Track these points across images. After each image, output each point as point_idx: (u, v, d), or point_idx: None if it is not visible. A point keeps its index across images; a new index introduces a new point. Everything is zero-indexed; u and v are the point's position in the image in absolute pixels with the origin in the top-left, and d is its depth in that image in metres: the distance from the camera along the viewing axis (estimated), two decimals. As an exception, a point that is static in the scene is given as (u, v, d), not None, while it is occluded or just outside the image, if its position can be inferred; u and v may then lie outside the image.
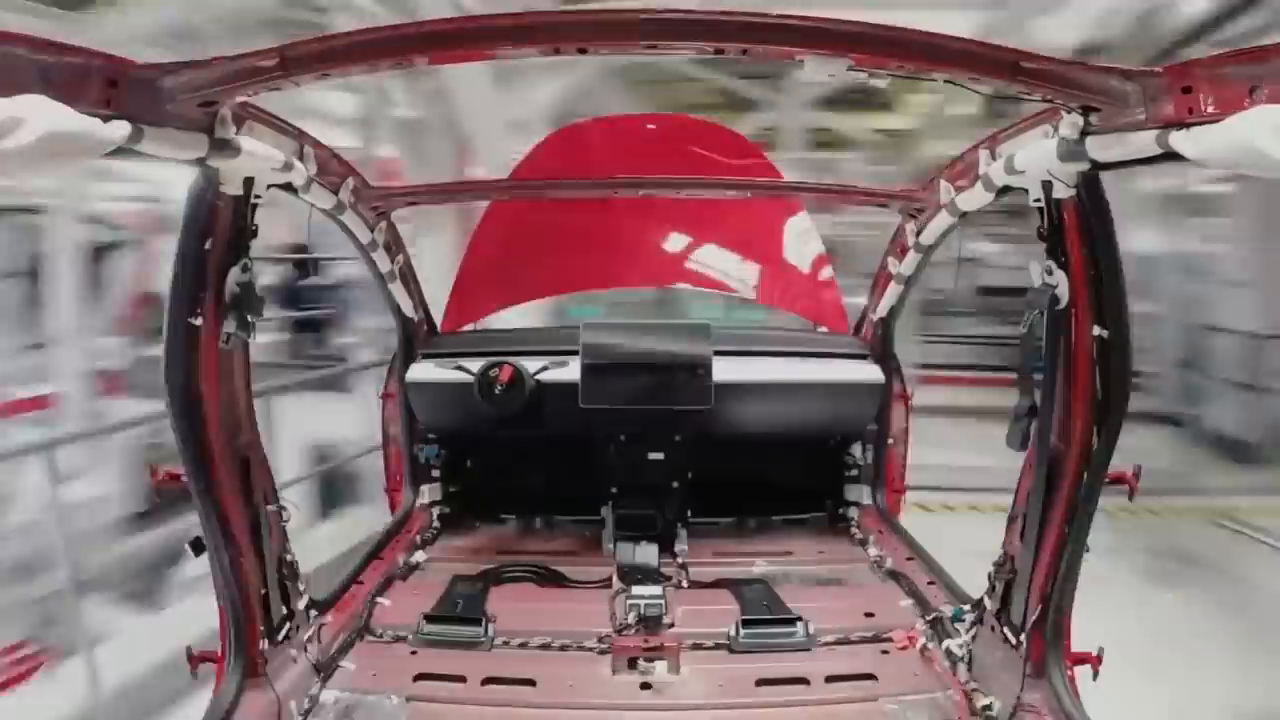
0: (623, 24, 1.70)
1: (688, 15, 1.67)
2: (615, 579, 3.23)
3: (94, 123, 1.42)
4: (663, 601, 2.97)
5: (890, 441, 3.85)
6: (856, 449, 3.83)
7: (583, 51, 1.79)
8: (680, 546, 3.54)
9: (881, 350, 3.74)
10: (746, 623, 2.90)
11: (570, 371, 3.54)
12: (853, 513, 3.90)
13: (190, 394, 2.11)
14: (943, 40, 1.69)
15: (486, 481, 4.00)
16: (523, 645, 2.84)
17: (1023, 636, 2.34)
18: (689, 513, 3.70)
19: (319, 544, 5.83)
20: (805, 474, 3.97)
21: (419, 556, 3.60)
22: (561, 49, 1.81)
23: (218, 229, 2.06)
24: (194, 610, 4.61)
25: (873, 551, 3.58)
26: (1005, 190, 2.29)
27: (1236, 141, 1.31)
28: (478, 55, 1.95)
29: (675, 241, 4.28)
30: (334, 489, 7.30)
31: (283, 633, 2.45)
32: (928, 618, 2.86)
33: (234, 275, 2.12)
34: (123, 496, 7.57)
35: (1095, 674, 2.39)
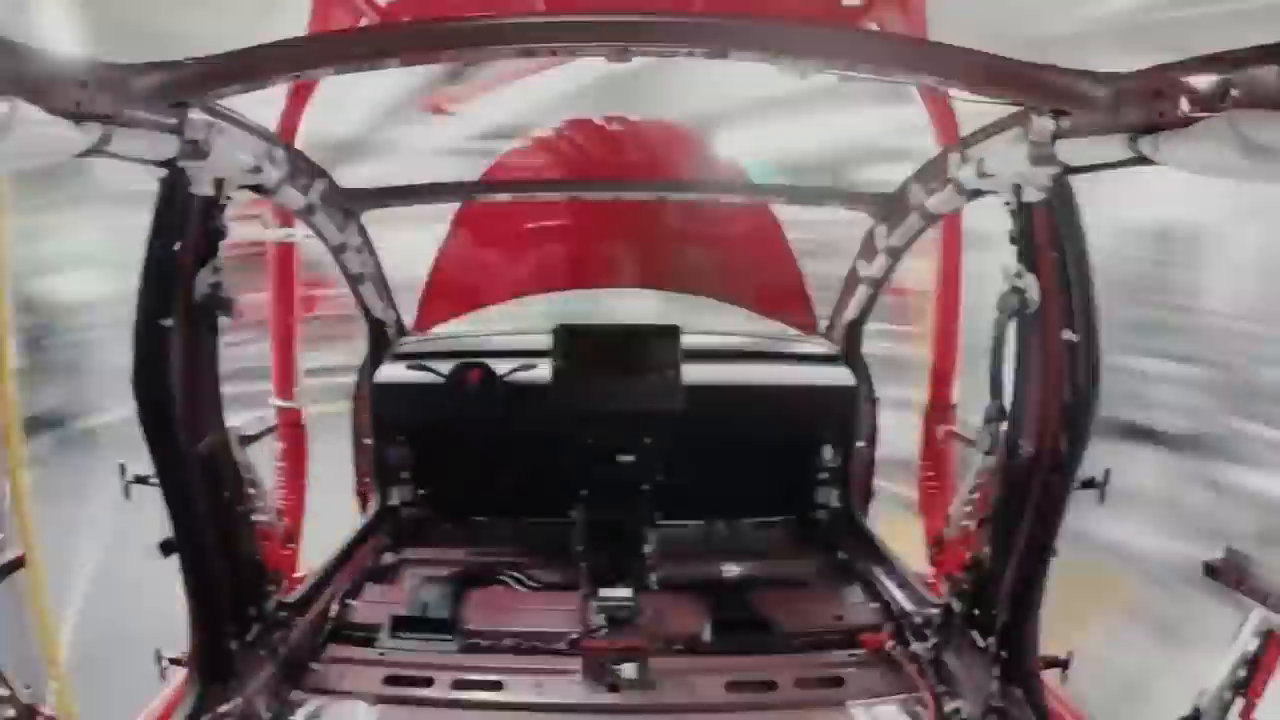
0: (596, 26, 1.68)
1: (665, 19, 1.67)
2: (584, 581, 3.20)
3: (65, 124, 1.40)
4: (632, 604, 2.95)
5: (860, 444, 3.86)
6: (826, 451, 3.83)
7: (553, 54, 1.78)
8: (650, 549, 3.52)
9: (851, 353, 3.76)
10: (716, 625, 2.90)
11: (540, 374, 3.52)
12: (822, 515, 3.90)
13: (159, 396, 2.07)
14: (913, 43, 1.70)
15: (456, 483, 3.96)
16: (491, 647, 2.82)
17: (991, 640, 2.35)
18: (659, 515, 3.69)
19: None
20: (775, 477, 3.96)
21: (388, 558, 3.55)
22: (533, 50, 1.79)
23: (188, 230, 2.02)
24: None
25: (842, 554, 3.59)
26: (976, 194, 2.30)
27: (1205, 146, 1.33)
28: (447, 56, 1.93)
29: (647, 244, 4.26)
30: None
31: (252, 634, 2.41)
32: (897, 621, 2.88)
33: (204, 276, 2.08)
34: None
35: (1064, 677, 2.41)
